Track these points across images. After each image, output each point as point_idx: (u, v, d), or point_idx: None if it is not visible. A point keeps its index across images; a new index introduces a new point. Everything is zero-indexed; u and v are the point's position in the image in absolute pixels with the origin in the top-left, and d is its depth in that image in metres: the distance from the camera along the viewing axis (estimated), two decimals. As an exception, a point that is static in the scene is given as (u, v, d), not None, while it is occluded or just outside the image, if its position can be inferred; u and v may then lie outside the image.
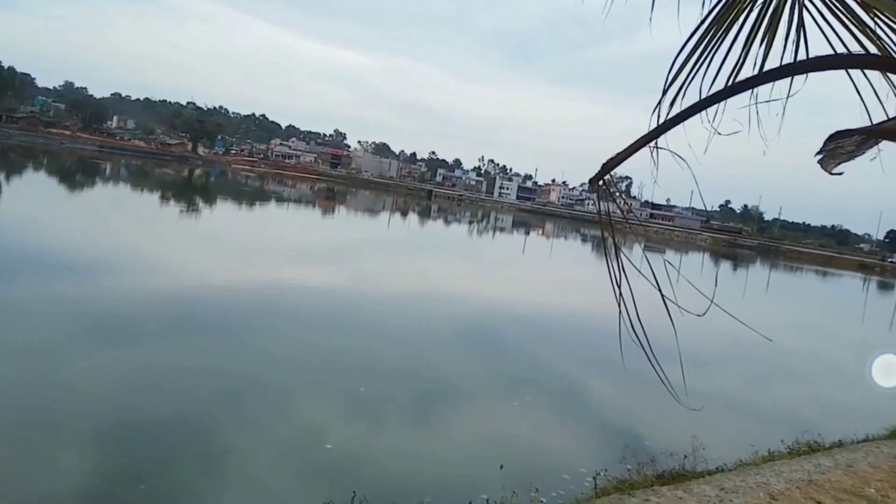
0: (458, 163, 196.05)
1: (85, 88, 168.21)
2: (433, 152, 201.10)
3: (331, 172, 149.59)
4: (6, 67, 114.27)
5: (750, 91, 2.69)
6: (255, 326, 16.92)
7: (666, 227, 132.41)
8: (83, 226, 33.22)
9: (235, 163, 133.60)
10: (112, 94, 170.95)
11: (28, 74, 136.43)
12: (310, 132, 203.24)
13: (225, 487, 8.77)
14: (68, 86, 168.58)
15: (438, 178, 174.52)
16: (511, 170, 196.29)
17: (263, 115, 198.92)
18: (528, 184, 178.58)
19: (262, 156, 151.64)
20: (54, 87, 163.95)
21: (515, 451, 11.44)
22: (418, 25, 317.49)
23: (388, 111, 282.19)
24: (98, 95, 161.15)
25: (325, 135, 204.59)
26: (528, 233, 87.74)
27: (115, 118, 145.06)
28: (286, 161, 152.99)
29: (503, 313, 24.66)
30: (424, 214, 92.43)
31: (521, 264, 48.97)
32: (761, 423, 14.63)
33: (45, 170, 68.67)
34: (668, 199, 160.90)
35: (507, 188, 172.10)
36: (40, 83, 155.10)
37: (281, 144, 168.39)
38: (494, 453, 10.89)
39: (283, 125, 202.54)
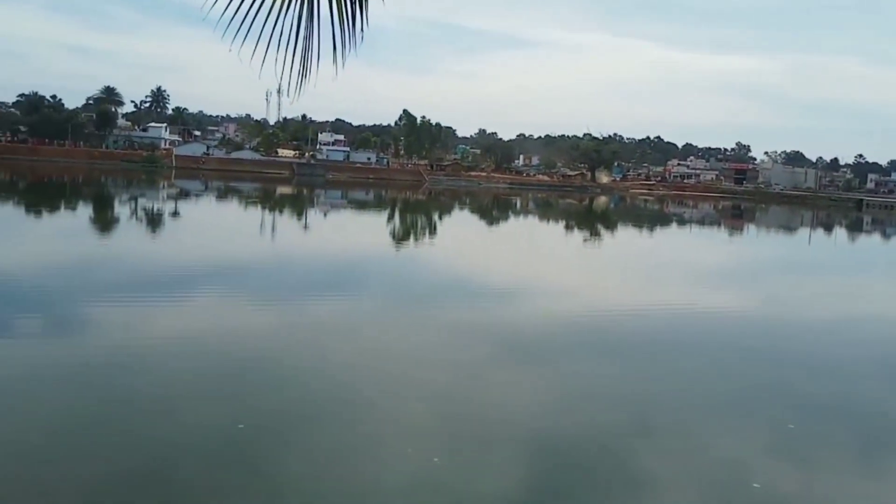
0: (894, 165, 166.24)
1: (495, 133, 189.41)
2: (860, 155, 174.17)
3: (735, 189, 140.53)
4: (434, 124, 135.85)
5: None
6: (662, 353, 16.38)
7: None
8: (503, 255, 36.82)
9: (633, 187, 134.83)
10: (517, 136, 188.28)
11: (450, 127, 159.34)
12: (709, 148, 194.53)
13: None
14: (482, 133, 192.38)
15: (870, 185, 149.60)
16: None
17: (658, 137, 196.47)
18: None
19: (659, 178, 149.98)
20: (471, 136, 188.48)
21: None
22: (818, 16, 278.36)
23: (797, 115, 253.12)
24: (506, 138, 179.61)
25: (725, 150, 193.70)
26: None
27: (520, 157, 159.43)
28: (685, 181, 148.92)
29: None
30: (854, 228, 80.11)
31: None
32: None
33: (469, 208, 78.62)
34: None
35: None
36: (459, 133, 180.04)
37: (678, 165, 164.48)
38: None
39: (679, 144, 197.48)
